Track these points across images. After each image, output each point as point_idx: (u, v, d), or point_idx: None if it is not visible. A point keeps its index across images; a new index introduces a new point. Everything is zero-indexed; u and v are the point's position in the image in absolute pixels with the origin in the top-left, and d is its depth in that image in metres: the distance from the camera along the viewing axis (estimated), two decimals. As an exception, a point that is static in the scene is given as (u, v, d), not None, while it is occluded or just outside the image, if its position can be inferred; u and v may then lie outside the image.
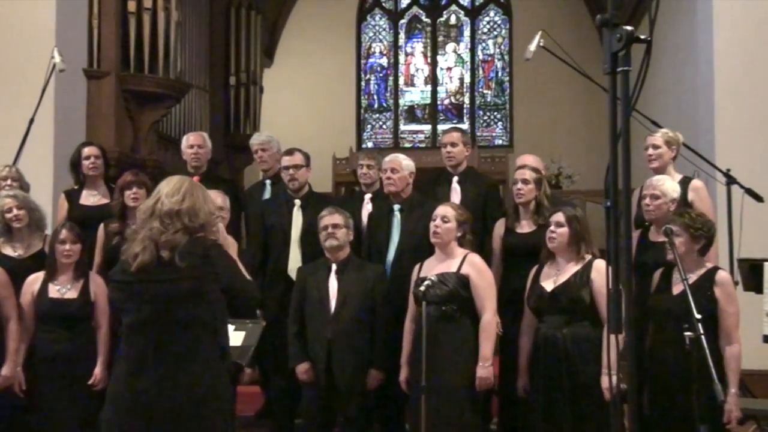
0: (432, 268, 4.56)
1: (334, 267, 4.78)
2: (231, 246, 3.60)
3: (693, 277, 4.09)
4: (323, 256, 4.88)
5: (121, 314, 3.18)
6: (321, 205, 5.32)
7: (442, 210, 4.59)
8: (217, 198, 4.86)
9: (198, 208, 3.12)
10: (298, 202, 5.34)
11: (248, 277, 3.34)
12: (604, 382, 4.09)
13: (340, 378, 4.66)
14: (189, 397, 3.00)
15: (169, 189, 3.15)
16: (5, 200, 4.88)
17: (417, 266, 4.68)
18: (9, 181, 5.31)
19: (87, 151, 5.56)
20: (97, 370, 4.52)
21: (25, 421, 4.56)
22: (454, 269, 4.48)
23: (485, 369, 4.36)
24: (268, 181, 5.88)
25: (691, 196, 4.80)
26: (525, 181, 4.88)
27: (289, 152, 5.41)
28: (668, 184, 4.57)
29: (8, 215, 4.83)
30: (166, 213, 3.07)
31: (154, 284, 3.03)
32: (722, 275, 4.18)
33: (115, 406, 3.06)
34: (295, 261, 5.23)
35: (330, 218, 4.79)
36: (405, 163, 5.16)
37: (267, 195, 5.79)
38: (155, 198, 3.15)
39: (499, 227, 5.04)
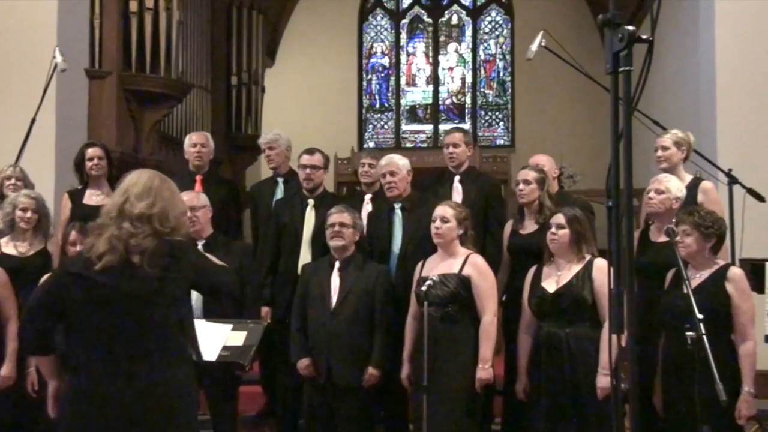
0: (434, 267, 4.57)
1: (337, 264, 4.79)
2: None
3: (705, 275, 4.08)
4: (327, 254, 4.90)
5: (73, 312, 2.99)
6: (334, 205, 5.33)
7: (440, 210, 4.59)
8: (193, 199, 4.88)
9: (169, 212, 3.02)
10: (311, 201, 5.35)
11: (221, 266, 3.26)
12: (600, 381, 4.10)
13: (339, 374, 4.66)
14: (157, 402, 2.91)
15: (138, 190, 3.02)
16: (22, 198, 4.87)
17: (419, 264, 4.69)
18: (13, 181, 5.32)
19: (90, 152, 5.58)
20: None
21: (33, 420, 4.56)
22: (455, 270, 4.49)
23: (485, 371, 4.36)
24: (280, 179, 5.86)
25: (700, 197, 4.76)
26: (526, 182, 4.89)
27: (310, 151, 5.41)
28: (674, 182, 4.55)
29: (20, 213, 4.83)
30: (137, 217, 2.96)
31: (119, 285, 2.92)
32: (735, 271, 4.13)
33: (76, 411, 2.94)
34: (305, 261, 5.23)
35: (338, 216, 4.79)
36: (401, 163, 5.16)
37: (280, 194, 5.78)
38: (123, 197, 3.02)
39: (507, 229, 5.06)
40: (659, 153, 4.93)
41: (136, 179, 3.07)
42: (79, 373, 2.99)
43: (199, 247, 4.87)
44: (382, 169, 5.18)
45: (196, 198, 4.90)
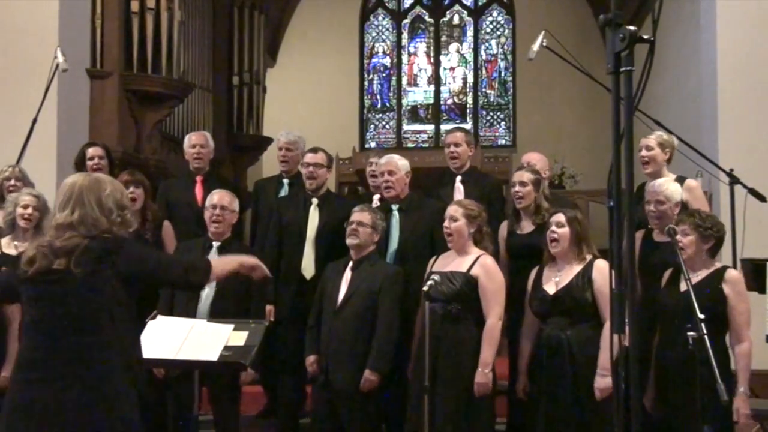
0: (446, 264, 4.56)
1: (350, 263, 4.79)
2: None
3: (701, 276, 4.09)
4: (341, 255, 4.91)
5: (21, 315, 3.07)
6: (338, 205, 5.34)
7: (450, 210, 4.59)
8: (225, 198, 4.90)
9: (92, 217, 2.97)
10: (315, 200, 5.34)
11: (166, 256, 3.25)
12: (598, 382, 4.10)
13: (334, 376, 4.64)
14: (84, 402, 2.86)
15: (60, 201, 3.02)
16: (25, 197, 4.86)
17: (432, 260, 4.68)
18: (12, 181, 5.31)
19: (91, 151, 5.60)
20: None
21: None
22: (464, 268, 4.48)
23: (484, 375, 4.34)
24: (286, 180, 5.84)
25: (685, 196, 4.76)
26: (522, 184, 4.88)
27: (314, 150, 5.40)
28: (671, 188, 4.55)
29: (21, 211, 4.82)
30: (58, 226, 2.96)
31: (48, 284, 2.92)
32: (732, 273, 4.18)
33: (11, 413, 2.92)
34: (308, 260, 5.22)
35: (359, 215, 4.78)
36: (401, 163, 5.15)
37: (283, 194, 5.76)
38: (53, 214, 3.06)
39: (503, 230, 5.05)
40: (643, 153, 4.93)
41: (62, 187, 3.07)
42: (16, 374, 3.00)
43: (214, 249, 4.86)
44: (380, 168, 5.17)
45: (228, 198, 4.91)
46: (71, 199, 2.99)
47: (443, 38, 13.84)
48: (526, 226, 4.91)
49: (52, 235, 2.96)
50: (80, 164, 5.57)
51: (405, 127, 13.79)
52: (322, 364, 4.70)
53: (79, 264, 2.88)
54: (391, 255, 5.04)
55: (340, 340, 4.65)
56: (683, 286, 4.12)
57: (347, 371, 4.62)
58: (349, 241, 4.76)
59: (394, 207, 5.12)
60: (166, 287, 3.22)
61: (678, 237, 4.07)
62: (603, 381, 4.09)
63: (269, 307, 5.18)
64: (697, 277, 4.08)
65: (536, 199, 4.89)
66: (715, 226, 4.17)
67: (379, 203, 5.42)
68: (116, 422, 2.92)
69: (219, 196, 4.92)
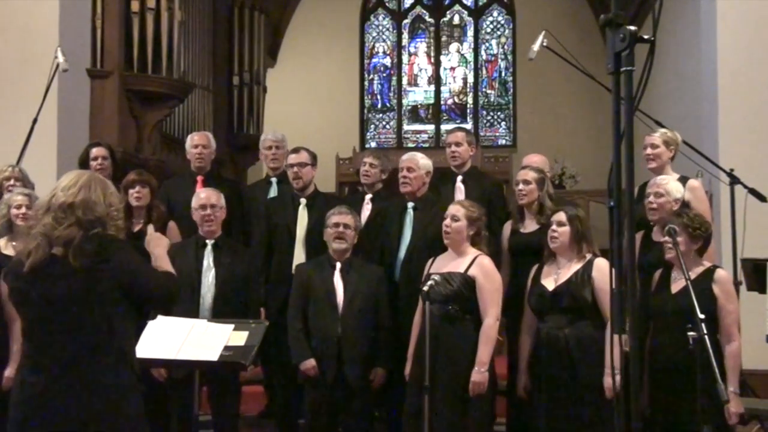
0: (442, 266, 4.56)
1: (338, 265, 4.79)
2: (157, 240, 3.38)
3: (692, 276, 4.10)
4: (323, 254, 4.91)
5: (19, 316, 3.08)
6: (327, 204, 5.32)
7: (452, 209, 4.60)
8: (212, 196, 4.89)
9: (94, 201, 2.98)
10: (303, 200, 5.34)
11: (160, 271, 3.16)
12: (607, 382, 4.10)
13: (351, 374, 4.68)
14: (83, 402, 2.86)
15: (66, 183, 3.04)
16: (17, 197, 4.87)
17: (429, 261, 4.69)
18: (12, 181, 5.31)
19: (95, 152, 5.60)
20: None
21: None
22: (462, 269, 4.48)
23: (480, 374, 4.34)
24: (274, 180, 5.86)
25: (687, 196, 4.77)
26: (526, 182, 4.89)
27: (296, 150, 5.41)
28: (672, 184, 4.57)
29: (15, 211, 4.82)
30: (59, 206, 2.95)
31: (46, 283, 2.91)
32: (721, 273, 4.20)
33: (16, 412, 2.93)
34: (299, 260, 5.21)
35: (341, 217, 4.80)
36: (422, 162, 5.15)
37: (273, 193, 5.78)
38: (51, 193, 3.03)
39: (506, 228, 5.06)
40: (648, 151, 4.93)
41: (66, 175, 3.11)
42: (21, 371, 3.01)
43: (209, 248, 4.86)
44: (402, 163, 5.19)
45: (215, 196, 4.89)
46: (78, 183, 3.03)
47: (443, 38, 13.85)
48: (530, 225, 4.92)
49: (53, 218, 2.94)
50: (84, 164, 5.56)
51: (405, 127, 13.79)
52: (328, 365, 4.70)
53: (77, 257, 2.88)
54: (403, 252, 5.05)
55: (353, 342, 4.69)
56: (674, 288, 4.17)
57: (363, 370, 4.72)
58: (336, 245, 4.78)
59: (410, 205, 5.12)
60: (145, 297, 3.12)
61: (666, 237, 4.08)
62: (610, 380, 4.08)
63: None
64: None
65: (540, 198, 4.89)
66: (702, 225, 4.19)
67: (370, 202, 5.43)
68: (122, 419, 2.93)
69: (206, 196, 4.91)
